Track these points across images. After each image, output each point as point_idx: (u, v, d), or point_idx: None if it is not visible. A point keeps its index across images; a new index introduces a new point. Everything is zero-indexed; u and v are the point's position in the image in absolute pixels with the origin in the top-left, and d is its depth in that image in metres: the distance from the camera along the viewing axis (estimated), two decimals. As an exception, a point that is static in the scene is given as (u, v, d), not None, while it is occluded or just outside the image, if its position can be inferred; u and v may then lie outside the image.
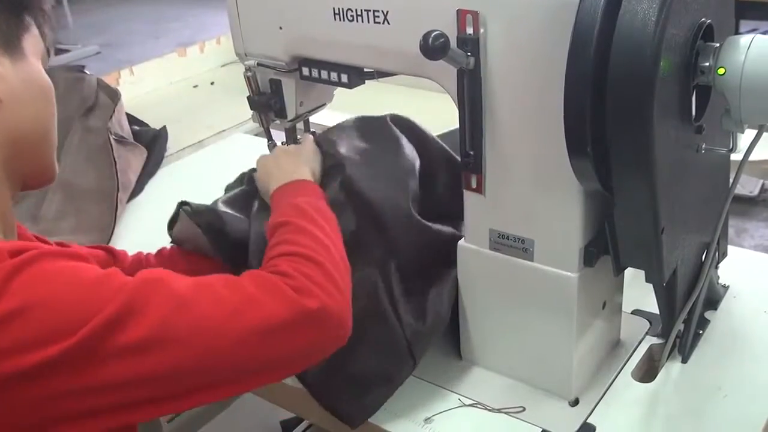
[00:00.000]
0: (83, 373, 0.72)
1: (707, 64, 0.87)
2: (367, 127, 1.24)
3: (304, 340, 0.84)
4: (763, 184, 3.08)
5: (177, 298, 0.77)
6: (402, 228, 1.10)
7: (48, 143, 0.90)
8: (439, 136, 1.27)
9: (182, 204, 1.13)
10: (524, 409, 1.04)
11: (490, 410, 1.05)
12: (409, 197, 1.13)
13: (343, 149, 1.17)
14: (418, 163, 1.19)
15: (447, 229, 1.14)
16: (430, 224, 1.12)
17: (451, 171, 1.20)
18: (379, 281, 1.06)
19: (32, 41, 0.86)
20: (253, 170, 1.22)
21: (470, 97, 0.96)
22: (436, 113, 1.79)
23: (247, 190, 1.21)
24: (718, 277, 1.23)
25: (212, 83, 2.41)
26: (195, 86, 2.41)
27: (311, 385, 1.04)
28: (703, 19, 0.87)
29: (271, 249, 0.93)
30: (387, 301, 1.06)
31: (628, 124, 0.82)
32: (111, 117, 1.69)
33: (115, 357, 0.73)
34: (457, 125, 1.00)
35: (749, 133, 0.96)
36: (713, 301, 1.21)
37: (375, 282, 1.06)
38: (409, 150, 1.20)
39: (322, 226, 0.96)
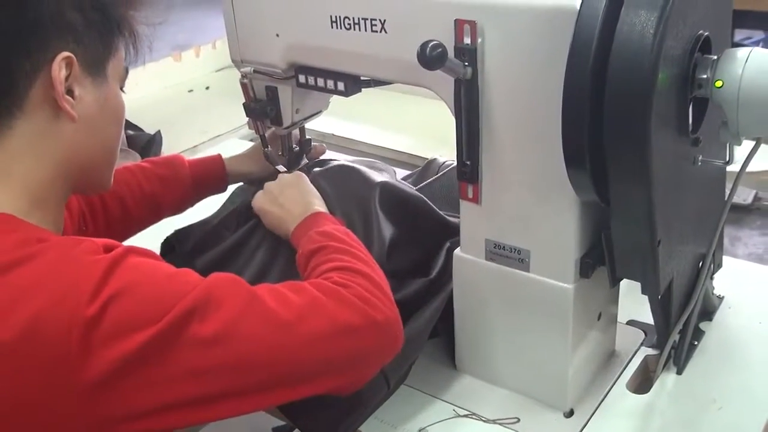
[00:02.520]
0: (165, 361, 0.74)
1: (705, 76, 0.87)
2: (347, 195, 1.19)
3: (369, 345, 0.88)
4: (756, 193, 3.09)
5: (251, 296, 0.80)
6: None
7: (110, 163, 0.93)
8: (425, 184, 1.27)
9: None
10: (519, 420, 1.04)
11: (484, 421, 1.04)
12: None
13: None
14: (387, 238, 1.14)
15: (417, 283, 1.12)
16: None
17: (438, 234, 1.18)
18: None
19: (115, 63, 0.88)
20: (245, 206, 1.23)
21: (467, 106, 0.96)
22: (432, 120, 1.79)
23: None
24: (713, 288, 1.23)
25: (207, 88, 2.41)
26: (190, 91, 2.40)
27: (285, 407, 1.01)
28: (700, 32, 0.87)
29: (316, 268, 0.94)
30: None
31: (626, 135, 0.82)
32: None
33: (193, 346, 0.75)
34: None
35: (744, 144, 0.96)
36: (708, 312, 1.21)
37: None
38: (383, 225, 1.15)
39: (356, 246, 0.98)
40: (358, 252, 0.97)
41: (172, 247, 1.24)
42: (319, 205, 1.11)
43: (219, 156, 1.31)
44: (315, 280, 0.90)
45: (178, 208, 1.28)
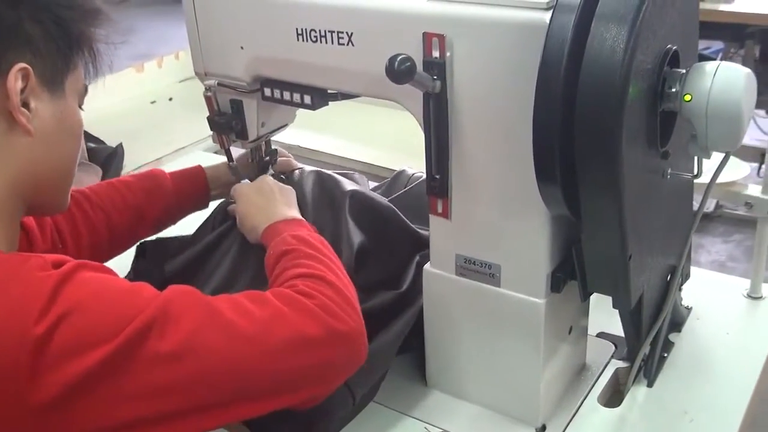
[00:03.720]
0: (122, 379, 0.72)
1: (674, 90, 0.87)
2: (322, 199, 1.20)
3: (332, 357, 0.86)
4: (717, 201, 3.14)
5: (210, 309, 0.79)
6: None
7: (66, 182, 0.90)
8: (395, 197, 1.27)
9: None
10: (491, 437, 1.03)
11: (456, 438, 1.03)
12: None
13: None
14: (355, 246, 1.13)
15: (387, 295, 1.10)
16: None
17: (408, 245, 1.17)
18: None
19: (74, 79, 0.86)
20: (228, 202, 1.21)
21: (436, 120, 0.95)
22: (401, 132, 1.78)
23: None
24: (682, 299, 1.24)
25: (170, 99, 2.38)
26: (153, 102, 2.37)
27: (249, 421, 0.98)
28: (669, 46, 0.87)
29: (283, 273, 0.92)
30: None
31: (597, 149, 0.81)
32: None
33: (151, 363, 0.73)
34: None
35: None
36: (677, 323, 1.21)
37: None
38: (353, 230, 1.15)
39: (327, 254, 0.97)
40: (328, 260, 0.95)
41: (144, 251, 1.23)
42: (296, 212, 1.10)
43: (199, 166, 1.29)
44: (278, 288, 0.88)
45: (163, 222, 1.26)
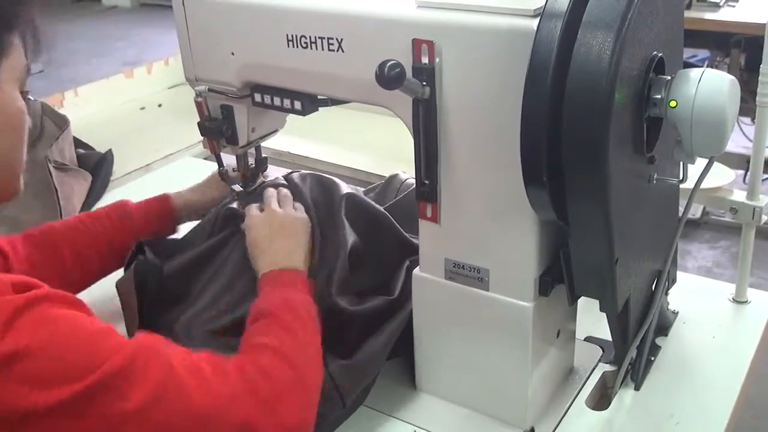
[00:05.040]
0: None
1: (659, 96, 0.88)
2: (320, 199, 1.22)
3: None
4: (704, 208, 3.16)
5: (170, 376, 0.77)
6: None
7: (12, 170, 0.85)
8: (390, 205, 1.28)
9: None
10: (480, 440, 1.03)
11: (445, 441, 1.04)
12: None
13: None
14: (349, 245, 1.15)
15: (378, 300, 1.12)
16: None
17: (398, 251, 1.19)
18: None
19: (10, 64, 0.80)
20: (230, 209, 1.23)
21: (425, 126, 0.95)
22: (391, 138, 1.79)
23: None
24: (668, 303, 1.25)
25: (160, 105, 2.37)
26: (142, 108, 2.36)
27: None
28: (654, 53, 0.89)
29: (257, 335, 0.93)
30: None
31: (584, 155, 0.82)
32: (51, 145, 1.64)
33: (101, 420, 0.72)
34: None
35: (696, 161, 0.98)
36: (664, 327, 1.22)
37: None
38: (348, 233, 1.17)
39: (308, 329, 0.96)
40: (304, 337, 0.95)
41: (142, 248, 1.23)
42: (302, 263, 1.09)
43: (166, 194, 1.30)
44: (242, 362, 0.86)
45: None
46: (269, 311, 0.96)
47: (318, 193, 1.22)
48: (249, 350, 0.91)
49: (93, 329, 0.75)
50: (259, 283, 1.06)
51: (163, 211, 1.29)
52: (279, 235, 1.11)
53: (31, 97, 0.87)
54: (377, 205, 1.23)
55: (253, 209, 1.17)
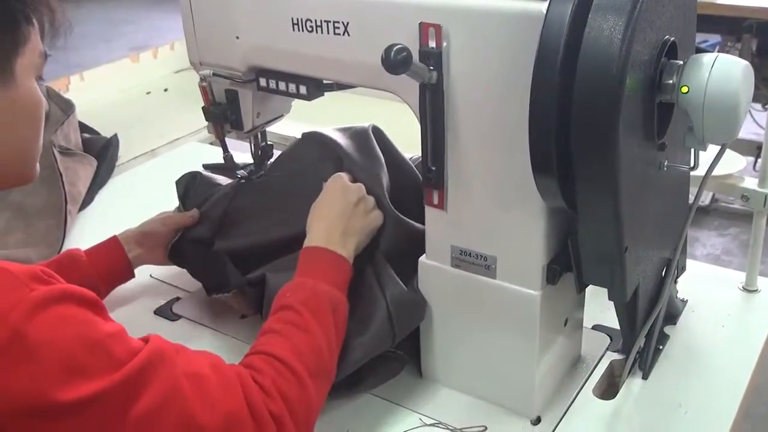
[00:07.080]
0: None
1: (671, 81, 0.87)
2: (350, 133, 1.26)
3: None
4: (713, 195, 3.14)
5: (174, 391, 0.76)
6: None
7: (31, 156, 0.86)
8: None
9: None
10: (486, 429, 1.03)
11: (451, 430, 1.03)
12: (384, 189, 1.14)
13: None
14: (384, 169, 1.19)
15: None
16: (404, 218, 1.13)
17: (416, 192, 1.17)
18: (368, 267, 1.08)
19: (26, 56, 0.80)
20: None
21: (432, 111, 0.94)
22: (397, 123, 1.77)
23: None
24: (677, 292, 1.23)
25: (166, 90, 2.36)
26: (148, 93, 2.36)
27: None
28: (666, 37, 0.87)
29: (271, 332, 0.93)
30: (375, 282, 1.06)
31: (594, 141, 0.81)
32: (56, 130, 1.63)
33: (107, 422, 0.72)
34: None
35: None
36: (672, 315, 1.21)
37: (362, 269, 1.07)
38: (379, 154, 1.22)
39: (326, 332, 0.95)
40: (320, 339, 0.93)
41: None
42: (351, 252, 1.06)
43: (114, 237, 1.24)
44: (249, 376, 0.85)
45: None
46: (289, 305, 0.95)
47: (358, 149, 1.23)
48: (258, 361, 0.88)
49: (107, 332, 0.75)
50: (300, 253, 1.04)
51: (114, 254, 1.23)
52: (350, 216, 1.08)
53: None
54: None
55: (345, 177, 1.13)
